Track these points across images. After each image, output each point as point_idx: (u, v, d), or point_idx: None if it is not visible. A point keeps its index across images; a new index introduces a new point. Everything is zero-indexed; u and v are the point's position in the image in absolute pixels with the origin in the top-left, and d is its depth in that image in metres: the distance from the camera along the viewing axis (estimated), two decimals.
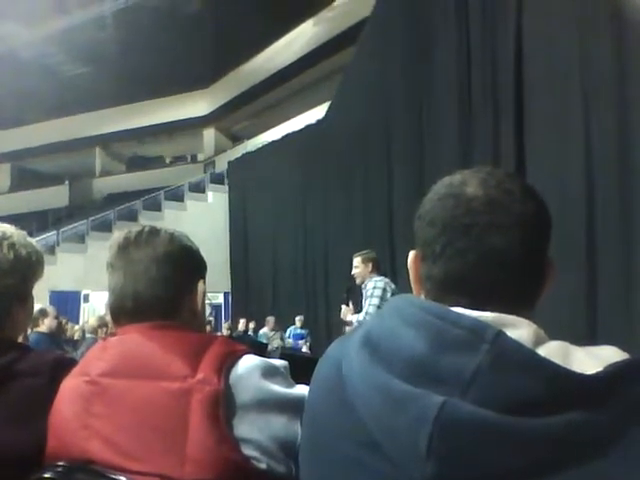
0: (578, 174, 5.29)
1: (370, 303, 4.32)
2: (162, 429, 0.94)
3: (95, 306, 13.18)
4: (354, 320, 4.47)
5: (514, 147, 6.03)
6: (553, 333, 0.69)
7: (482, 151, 6.58)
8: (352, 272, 4.58)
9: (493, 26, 6.52)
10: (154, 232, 1.13)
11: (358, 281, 4.57)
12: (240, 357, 1.00)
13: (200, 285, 1.14)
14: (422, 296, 0.78)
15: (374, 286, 4.36)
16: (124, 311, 1.09)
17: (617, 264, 4.92)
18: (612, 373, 0.61)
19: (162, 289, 1.08)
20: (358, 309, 4.59)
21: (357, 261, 4.56)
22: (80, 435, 1.00)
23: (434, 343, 0.64)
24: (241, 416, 0.95)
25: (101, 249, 14.32)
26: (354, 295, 4.77)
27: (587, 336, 4.96)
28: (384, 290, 4.34)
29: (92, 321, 4.91)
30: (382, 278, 4.46)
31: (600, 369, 0.61)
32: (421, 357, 0.64)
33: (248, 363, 1.00)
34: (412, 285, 0.82)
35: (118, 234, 1.14)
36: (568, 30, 5.50)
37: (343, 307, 4.65)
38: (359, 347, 0.71)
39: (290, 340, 10.51)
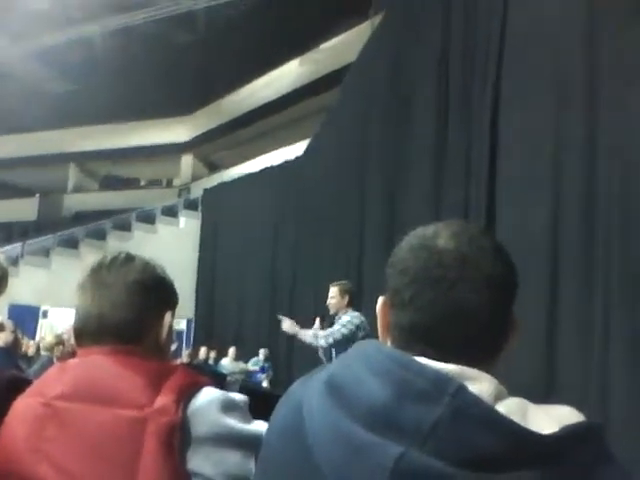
0: (544, 227, 5.51)
1: (339, 330, 4.15)
2: (114, 457, 0.92)
3: (53, 323, 12.84)
4: (307, 333, 4.31)
5: (485, 198, 6.22)
6: (512, 382, 0.70)
7: (453, 197, 6.77)
8: (327, 302, 4.39)
9: (471, 79, 6.80)
10: (129, 258, 1.14)
11: (332, 311, 4.39)
12: (200, 389, 0.99)
13: (167, 317, 1.13)
14: (388, 342, 0.78)
15: (349, 320, 4.20)
16: (87, 332, 1.08)
17: (578, 315, 5.12)
18: (567, 434, 0.62)
19: (127, 314, 1.07)
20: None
21: (334, 291, 4.36)
22: (30, 458, 0.97)
23: (397, 392, 0.64)
24: (195, 449, 0.94)
25: (65, 266, 14.15)
26: (327, 324, 4.58)
27: (545, 385, 5.11)
28: (357, 327, 4.18)
29: (49, 338, 4.76)
30: (359, 315, 4.28)
31: (556, 429, 0.62)
32: (383, 405, 0.64)
33: (208, 396, 0.98)
34: (379, 330, 0.82)
35: (95, 258, 1.15)
36: (543, 94, 5.75)
37: (286, 320, 4.43)
38: (321, 390, 0.71)
39: (252, 367, 10.55)
